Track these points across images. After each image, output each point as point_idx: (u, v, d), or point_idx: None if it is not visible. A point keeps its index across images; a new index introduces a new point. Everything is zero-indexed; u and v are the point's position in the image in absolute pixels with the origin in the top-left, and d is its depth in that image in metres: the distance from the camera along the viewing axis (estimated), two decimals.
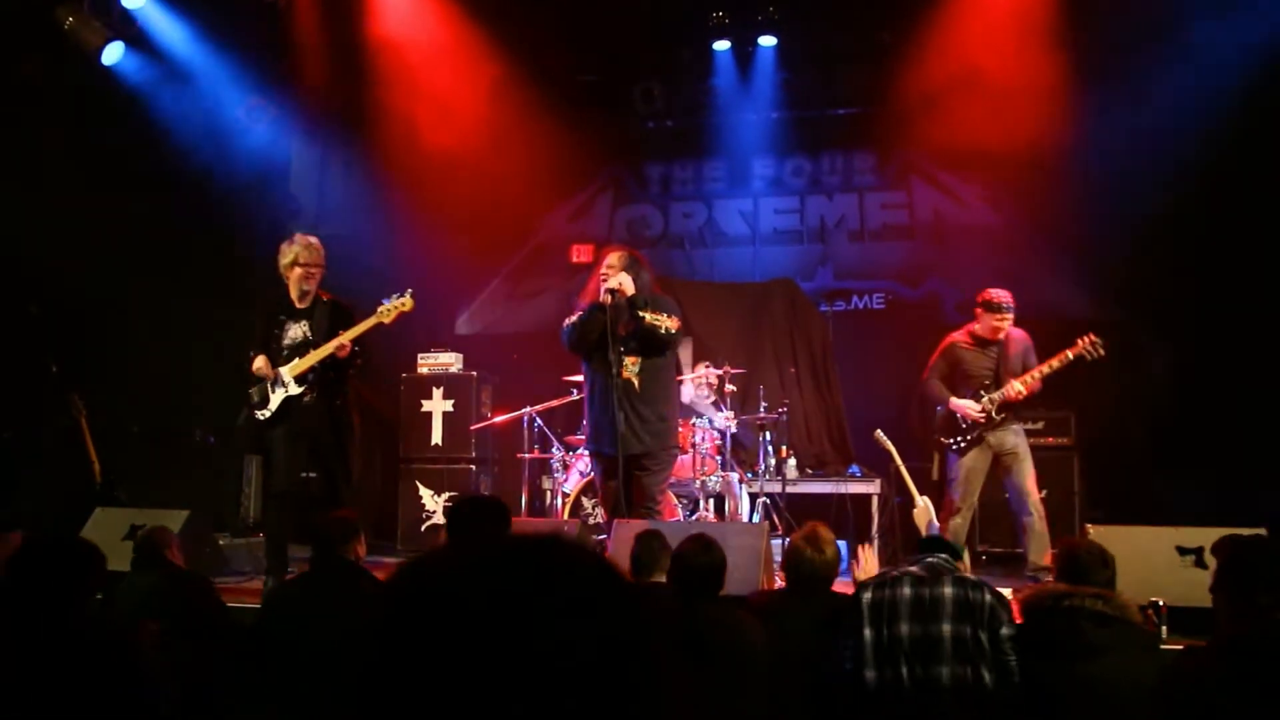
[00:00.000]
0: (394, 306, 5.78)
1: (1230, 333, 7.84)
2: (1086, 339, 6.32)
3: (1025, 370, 6.48)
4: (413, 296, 5.82)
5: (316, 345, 5.81)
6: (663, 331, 5.64)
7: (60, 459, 7.09)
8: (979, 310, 6.60)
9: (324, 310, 5.95)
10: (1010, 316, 6.50)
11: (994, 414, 6.46)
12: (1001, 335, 6.53)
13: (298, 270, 5.88)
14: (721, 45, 9.58)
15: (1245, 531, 4.16)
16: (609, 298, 5.62)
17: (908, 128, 9.35)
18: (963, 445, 6.54)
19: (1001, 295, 6.53)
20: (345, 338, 5.72)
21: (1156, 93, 7.88)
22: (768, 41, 9.48)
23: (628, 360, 5.68)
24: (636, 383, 5.67)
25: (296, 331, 5.92)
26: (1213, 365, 7.85)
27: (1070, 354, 6.33)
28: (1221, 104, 7.71)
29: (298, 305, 5.95)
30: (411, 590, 0.88)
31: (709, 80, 9.86)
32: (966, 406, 6.48)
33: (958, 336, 6.73)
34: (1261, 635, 2.80)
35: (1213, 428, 7.76)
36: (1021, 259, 8.97)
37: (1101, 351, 6.30)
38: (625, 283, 5.63)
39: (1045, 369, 6.39)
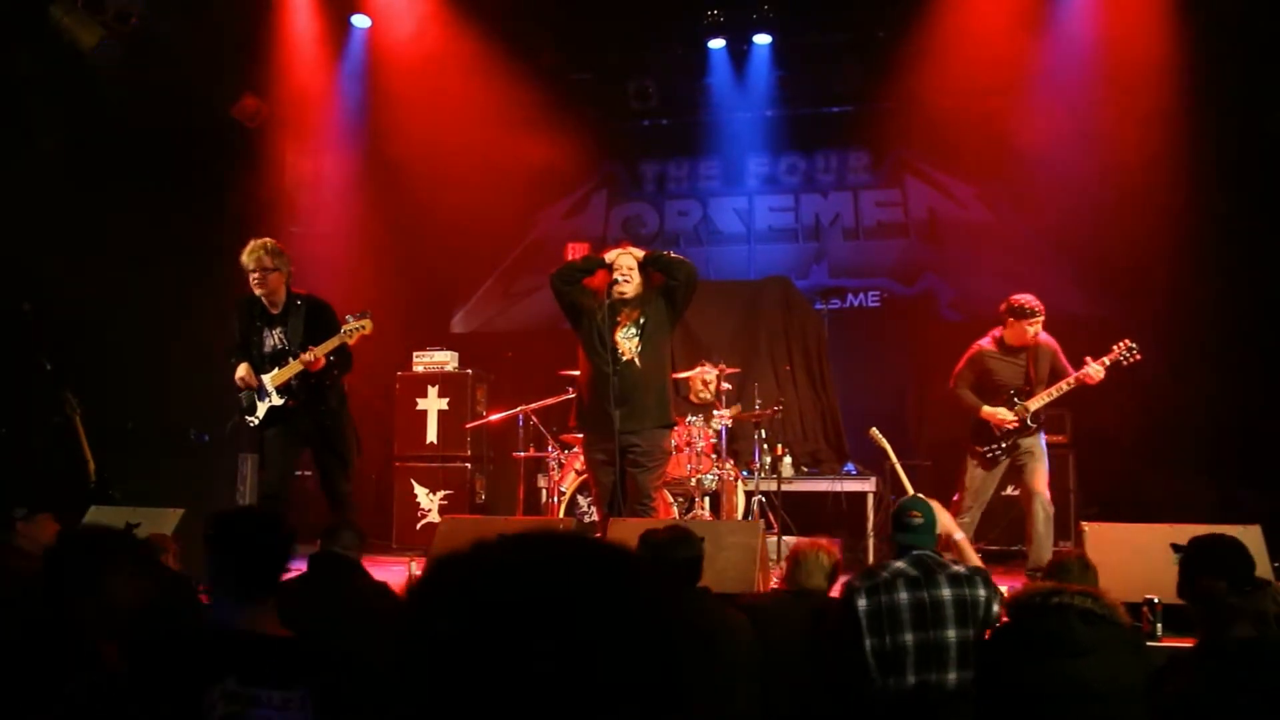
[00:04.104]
0: (355, 328, 5.78)
1: (1225, 330, 7.86)
2: (1121, 345, 6.23)
3: (1055, 376, 6.37)
4: (371, 319, 5.82)
5: (292, 352, 5.81)
6: (690, 264, 5.82)
7: (54, 457, 7.06)
8: (1008, 318, 6.45)
9: (298, 313, 5.91)
10: (1040, 320, 6.37)
11: (1028, 420, 6.38)
12: (1030, 342, 6.43)
13: (251, 277, 5.84)
14: (716, 43, 9.60)
15: (1235, 529, 4.16)
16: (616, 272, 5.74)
17: (902, 126, 9.37)
18: (998, 453, 6.45)
19: (1030, 300, 6.39)
20: (314, 354, 5.71)
21: (1151, 89, 7.89)
22: (762, 39, 9.50)
23: (631, 344, 5.70)
24: (638, 361, 5.68)
25: (273, 338, 5.91)
26: (1207, 363, 7.87)
27: (1108, 360, 6.21)
28: (1216, 100, 7.74)
29: (271, 310, 5.93)
30: (446, 592, 0.87)
31: (704, 78, 9.87)
32: (999, 414, 6.39)
33: (985, 344, 6.60)
34: (1231, 642, 2.82)
35: (1207, 425, 7.78)
36: (1016, 256, 8.99)
37: (1137, 356, 6.21)
38: (635, 252, 5.83)
39: (1104, 363, 6.19)
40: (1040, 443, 6.48)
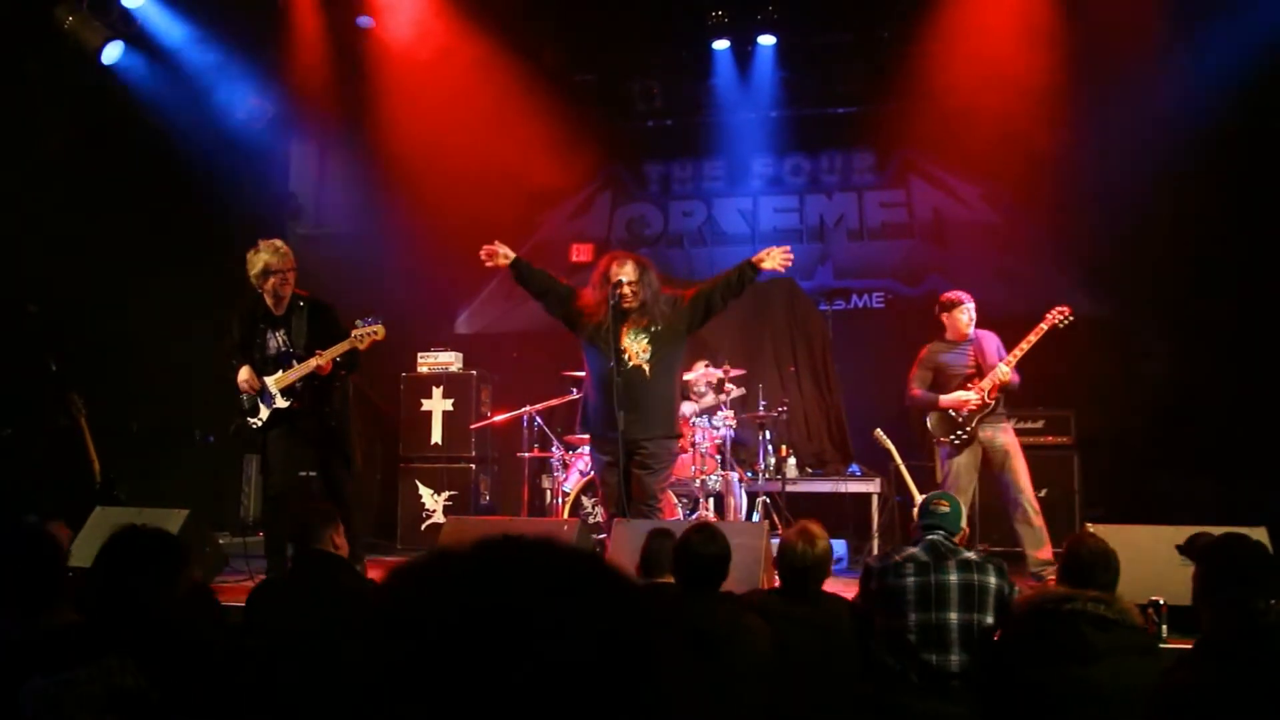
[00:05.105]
0: (367, 333, 5.75)
1: (1229, 331, 7.84)
2: (1054, 311, 6.40)
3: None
4: (384, 324, 5.79)
5: (296, 354, 5.81)
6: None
7: (59, 458, 7.08)
8: (941, 316, 6.69)
9: (301, 315, 5.90)
10: (970, 306, 6.56)
11: (987, 398, 6.45)
12: (970, 333, 6.58)
13: (272, 279, 5.81)
14: (721, 44, 9.59)
15: (1241, 530, 4.15)
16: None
17: (906, 126, 9.36)
18: (964, 437, 6.51)
19: (954, 293, 6.65)
20: (322, 359, 5.71)
21: (1155, 91, 7.88)
22: (767, 40, 9.49)
23: (639, 347, 5.69)
24: (647, 369, 5.68)
25: (276, 341, 5.90)
26: (1212, 363, 7.86)
27: (1045, 326, 6.38)
28: (1220, 102, 7.73)
29: (275, 312, 5.92)
30: (401, 600, 0.86)
31: (708, 79, 9.87)
32: (959, 396, 6.49)
33: (932, 343, 6.78)
34: (1242, 637, 2.80)
35: (1212, 426, 7.77)
36: (1021, 257, 8.98)
37: (1071, 318, 6.38)
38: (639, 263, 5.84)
39: (1025, 345, 6.39)
40: (1013, 440, 6.52)
